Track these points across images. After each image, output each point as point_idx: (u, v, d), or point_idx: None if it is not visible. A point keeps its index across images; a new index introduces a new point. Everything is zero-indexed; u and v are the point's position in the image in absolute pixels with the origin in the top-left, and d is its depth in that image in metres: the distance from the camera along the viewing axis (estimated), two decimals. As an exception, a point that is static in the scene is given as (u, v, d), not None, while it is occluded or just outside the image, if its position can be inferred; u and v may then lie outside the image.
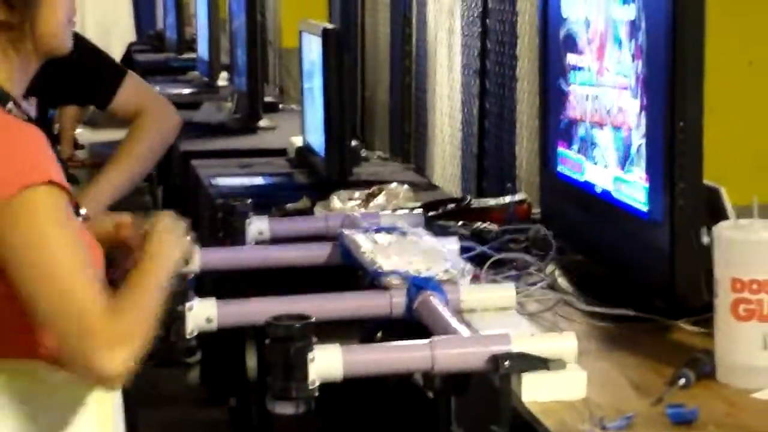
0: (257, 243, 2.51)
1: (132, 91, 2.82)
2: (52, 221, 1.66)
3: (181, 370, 4.39)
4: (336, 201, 3.02)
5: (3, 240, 1.66)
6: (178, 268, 1.83)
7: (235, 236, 2.51)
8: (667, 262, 1.90)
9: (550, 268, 2.29)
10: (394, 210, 2.87)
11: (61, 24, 1.80)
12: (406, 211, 2.79)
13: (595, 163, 2.23)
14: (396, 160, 4.22)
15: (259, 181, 3.69)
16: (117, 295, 1.69)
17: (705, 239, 1.89)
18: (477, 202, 2.86)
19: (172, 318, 1.95)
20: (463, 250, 2.34)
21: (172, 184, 5.12)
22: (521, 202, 2.76)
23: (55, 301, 1.64)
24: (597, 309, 2.07)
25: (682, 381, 1.70)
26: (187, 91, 5.95)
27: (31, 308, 1.67)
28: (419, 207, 2.85)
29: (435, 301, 1.98)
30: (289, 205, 3.13)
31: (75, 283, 1.64)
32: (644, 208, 2.01)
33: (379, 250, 2.23)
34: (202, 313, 1.99)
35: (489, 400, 1.74)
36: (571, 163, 2.36)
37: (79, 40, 2.86)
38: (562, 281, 2.23)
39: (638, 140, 2.03)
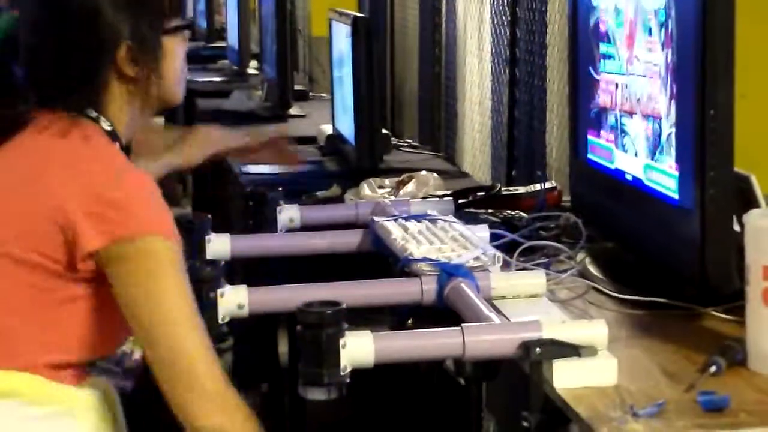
0: (288, 231, 2.52)
1: None
2: (170, 271, 1.73)
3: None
4: (366, 189, 3.03)
5: (117, 280, 1.73)
6: None
7: (265, 224, 2.52)
8: (698, 249, 1.90)
9: (580, 255, 2.29)
10: (425, 198, 2.88)
11: (179, 78, 1.90)
12: (436, 198, 2.79)
13: (625, 151, 2.23)
14: (426, 149, 4.23)
15: (289, 168, 3.70)
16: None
17: (736, 227, 1.89)
18: (507, 190, 2.87)
19: (204, 304, 1.97)
20: (494, 237, 2.34)
21: (202, 173, 5.14)
22: (551, 189, 2.77)
23: (171, 358, 1.71)
24: (627, 296, 2.08)
25: (714, 368, 1.71)
26: (217, 79, 5.97)
27: (146, 354, 1.75)
28: (449, 195, 2.86)
29: (466, 288, 1.99)
30: (320, 193, 3.14)
31: (190, 344, 1.72)
32: (675, 196, 2.01)
33: (409, 238, 2.24)
34: (234, 300, 2.00)
35: (520, 386, 1.75)
36: (601, 151, 2.36)
37: None
38: (592, 268, 2.23)
39: (668, 128, 2.03)
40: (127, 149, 1.89)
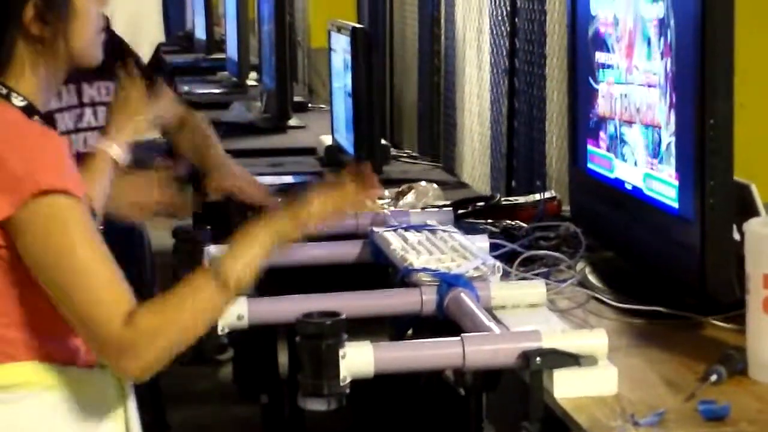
0: (288, 241, 2.52)
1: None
2: (71, 228, 1.69)
3: (212, 367, 4.41)
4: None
5: (23, 245, 1.70)
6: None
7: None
8: (698, 259, 1.90)
9: (580, 265, 2.29)
10: (424, 208, 2.88)
11: (91, 37, 1.83)
12: (436, 209, 2.79)
13: (625, 161, 2.23)
14: (425, 159, 4.23)
15: (289, 179, 3.70)
16: (164, 294, 1.72)
17: (736, 236, 1.89)
18: (506, 200, 2.86)
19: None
20: (493, 247, 2.34)
21: (202, 184, 5.14)
22: (551, 199, 2.77)
23: (77, 310, 1.69)
24: (627, 306, 2.07)
25: (714, 377, 1.70)
26: (216, 91, 5.98)
27: (60, 311, 1.72)
28: (449, 205, 2.85)
29: (466, 298, 1.98)
30: (319, 204, 3.14)
31: (93, 293, 1.68)
32: (675, 205, 2.01)
33: (409, 248, 2.24)
34: (233, 311, 2.00)
35: (520, 396, 1.74)
36: (601, 160, 2.36)
37: (118, 43, 2.93)
38: (592, 278, 2.23)
39: (668, 138, 2.03)
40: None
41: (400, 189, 3.11)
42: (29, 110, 1.79)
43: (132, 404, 1.86)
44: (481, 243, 2.32)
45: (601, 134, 2.34)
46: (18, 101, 1.78)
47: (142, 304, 1.71)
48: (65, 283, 1.69)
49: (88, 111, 3.04)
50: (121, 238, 2.44)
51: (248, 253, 1.78)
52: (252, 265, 1.77)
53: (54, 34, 1.79)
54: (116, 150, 2.18)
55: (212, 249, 2.31)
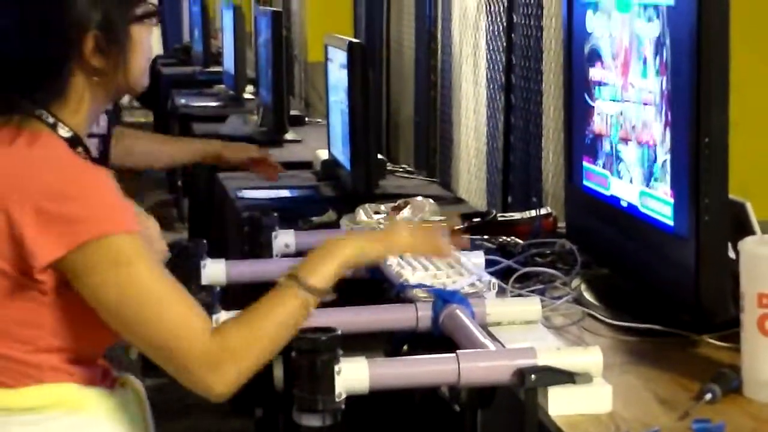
0: (283, 256, 2.52)
1: None
2: (137, 263, 1.68)
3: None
4: (362, 214, 3.03)
5: (85, 285, 1.69)
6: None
7: (261, 249, 2.52)
8: (693, 276, 1.91)
9: (575, 282, 2.29)
10: (420, 223, 2.88)
11: (145, 68, 1.84)
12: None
13: (621, 178, 2.24)
14: (421, 174, 4.24)
15: (285, 194, 3.71)
16: (247, 309, 1.74)
17: (731, 254, 1.90)
18: (502, 216, 2.87)
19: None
20: (489, 263, 2.35)
21: (198, 197, 5.15)
22: (547, 216, 2.77)
23: (157, 348, 1.69)
24: (623, 323, 2.08)
25: (709, 396, 1.70)
26: (213, 104, 5.99)
27: (133, 343, 1.73)
28: (444, 220, 2.86)
29: (461, 314, 1.99)
30: (315, 219, 3.15)
31: (168, 320, 1.69)
32: (670, 223, 2.01)
33: (404, 264, 2.24)
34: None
35: (515, 413, 1.74)
36: (597, 177, 2.36)
37: None
38: (587, 295, 2.24)
39: (663, 156, 2.04)
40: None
41: (396, 204, 3.11)
42: (74, 142, 1.76)
43: (151, 421, 1.86)
44: (476, 259, 2.33)
45: (597, 151, 2.35)
46: (64, 132, 1.76)
47: (227, 320, 1.74)
48: (142, 316, 1.68)
49: None
50: None
51: (329, 267, 1.80)
52: (330, 278, 1.79)
53: (114, 66, 1.77)
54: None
55: (208, 262, 2.31)
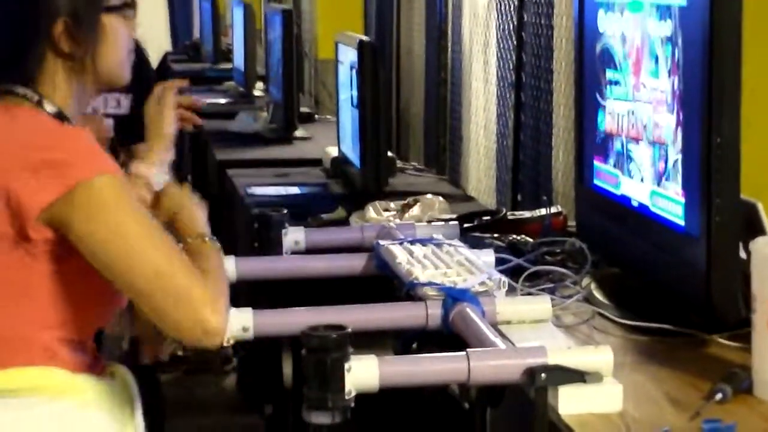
0: (293, 253, 2.53)
1: None
2: (125, 206, 1.73)
3: (216, 376, 4.41)
4: (371, 212, 3.03)
5: (76, 227, 1.73)
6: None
7: (271, 246, 2.52)
8: (704, 276, 1.90)
9: (585, 280, 2.29)
10: (430, 221, 2.88)
11: (120, 59, 1.88)
12: (442, 222, 2.79)
13: (631, 177, 2.23)
14: (431, 172, 4.23)
15: (294, 191, 3.71)
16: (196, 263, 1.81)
17: (742, 254, 1.89)
18: (512, 215, 2.87)
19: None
20: (499, 262, 2.34)
21: (207, 194, 5.15)
22: (557, 214, 2.77)
23: (155, 282, 1.74)
24: (633, 322, 2.07)
25: (719, 396, 1.70)
26: (223, 100, 5.99)
27: (124, 290, 1.78)
28: (454, 218, 2.86)
29: (471, 312, 1.98)
30: (325, 216, 3.15)
31: (168, 261, 1.75)
32: (681, 223, 2.01)
33: (414, 262, 2.24)
34: (239, 322, 2.00)
35: (524, 412, 1.74)
36: (607, 176, 2.36)
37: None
38: (597, 294, 2.23)
39: (674, 155, 2.04)
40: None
41: (405, 201, 3.11)
42: (60, 117, 1.83)
43: (139, 412, 1.87)
44: (486, 257, 2.32)
45: (608, 150, 2.35)
46: (50, 107, 1.82)
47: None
48: (131, 259, 1.74)
49: (111, 97, 3.05)
50: None
51: (199, 215, 2.04)
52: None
53: (84, 52, 1.83)
54: (157, 175, 2.21)
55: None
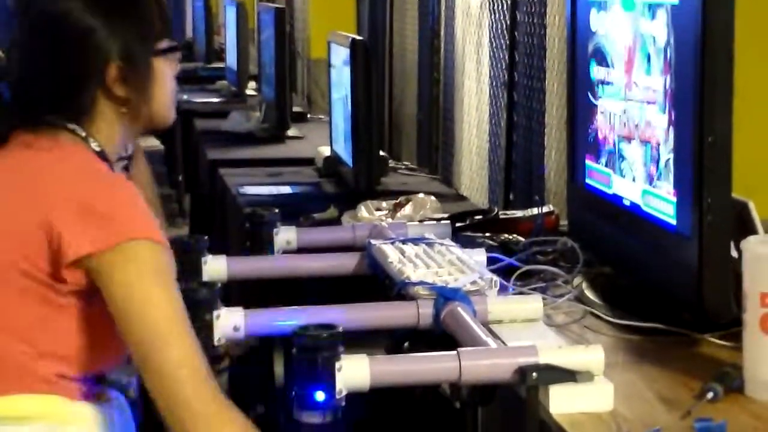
0: (285, 252, 2.52)
1: None
2: (154, 275, 1.72)
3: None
4: (363, 211, 3.03)
5: (111, 286, 1.72)
6: None
7: (262, 245, 2.52)
8: (696, 276, 1.90)
9: (577, 280, 2.29)
10: (422, 220, 2.88)
11: (168, 101, 1.90)
12: (434, 222, 2.79)
13: (623, 177, 2.23)
14: (423, 171, 4.23)
15: (286, 190, 3.71)
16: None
17: (733, 253, 1.89)
18: (504, 214, 2.86)
19: (200, 326, 1.97)
20: (491, 261, 2.34)
21: (199, 193, 5.14)
22: (549, 213, 2.76)
23: (165, 370, 1.69)
24: (624, 322, 2.07)
25: (711, 395, 1.70)
26: (215, 100, 5.99)
27: (135, 360, 1.73)
28: (446, 218, 2.85)
29: (462, 312, 1.98)
30: (317, 215, 3.14)
31: (188, 353, 1.70)
32: (672, 222, 2.01)
33: (406, 261, 2.24)
34: (230, 322, 2.00)
35: (516, 411, 1.74)
36: (599, 176, 2.36)
37: None
38: (589, 293, 2.23)
39: (666, 155, 2.03)
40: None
41: (397, 201, 3.11)
42: (102, 157, 1.84)
43: None
44: (478, 257, 2.32)
45: (600, 150, 2.35)
46: (94, 146, 1.84)
47: None
48: (153, 335, 1.70)
49: None
50: None
51: None
52: None
53: (137, 96, 1.85)
54: None
55: (209, 258, 2.31)
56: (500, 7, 3.62)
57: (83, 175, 1.78)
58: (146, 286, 1.71)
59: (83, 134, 1.83)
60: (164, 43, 1.90)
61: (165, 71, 1.89)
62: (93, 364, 1.81)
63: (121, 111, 1.85)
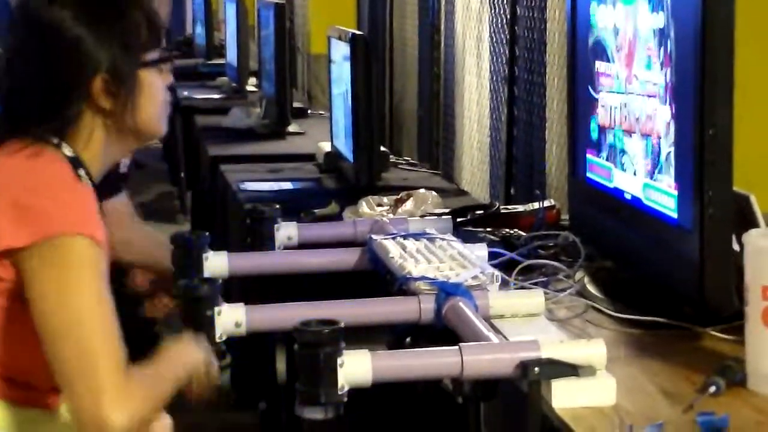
0: (286, 248, 2.52)
1: None
2: (87, 271, 1.71)
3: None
4: (364, 206, 3.03)
5: (32, 278, 1.71)
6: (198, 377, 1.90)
7: (263, 241, 2.52)
8: (697, 269, 1.90)
9: (579, 274, 2.28)
10: (423, 216, 2.88)
11: (158, 112, 1.87)
12: (435, 217, 2.79)
13: (624, 170, 2.23)
14: (424, 166, 4.23)
15: (287, 186, 3.70)
16: (138, 367, 1.74)
17: (735, 247, 1.89)
18: (505, 209, 2.86)
19: (202, 323, 1.97)
20: (492, 256, 2.34)
21: (200, 189, 5.14)
22: (550, 208, 2.76)
23: (75, 359, 1.69)
24: (626, 316, 2.07)
25: (713, 388, 1.70)
26: (215, 96, 5.98)
27: (47, 351, 1.71)
28: (447, 213, 2.85)
29: (464, 307, 1.98)
30: (318, 211, 3.14)
31: (94, 341, 1.69)
32: (674, 215, 2.01)
33: (407, 256, 2.24)
34: (231, 318, 2.00)
35: (518, 406, 1.74)
36: (600, 169, 2.36)
37: None
38: (591, 288, 2.23)
39: (667, 148, 2.03)
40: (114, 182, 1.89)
41: (398, 196, 3.11)
42: (75, 163, 1.82)
43: None
44: (479, 251, 2.32)
45: (601, 144, 2.34)
46: (68, 151, 1.82)
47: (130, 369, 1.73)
48: (66, 324, 1.69)
49: None
50: None
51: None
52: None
53: (123, 108, 1.83)
54: None
55: (210, 254, 2.31)
56: (500, 1, 3.62)
57: (28, 175, 1.77)
58: (68, 278, 1.70)
59: (55, 141, 1.81)
60: (154, 54, 1.87)
61: (154, 83, 1.87)
62: (39, 369, 1.79)
63: (106, 123, 1.84)
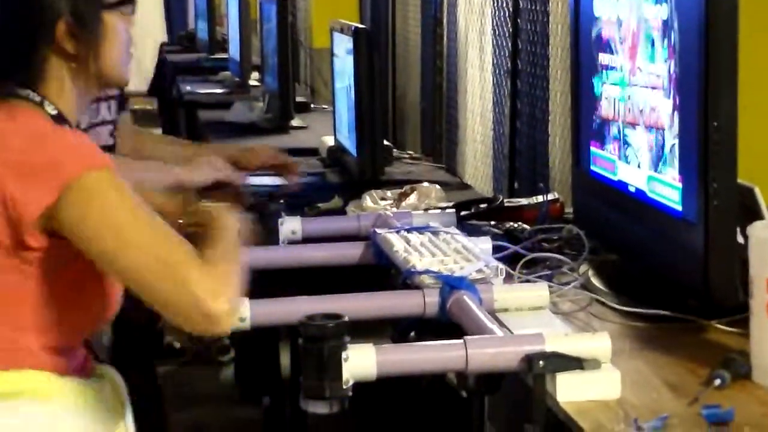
0: (290, 243, 2.52)
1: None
2: (115, 196, 1.73)
3: (214, 368, 4.41)
4: (368, 200, 3.02)
5: (75, 226, 1.71)
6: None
7: (267, 236, 2.52)
8: (702, 262, 1.90)
9: (583, 267, 2.28)
10: (426, 209, 2.87)
11: (121, 57, 1.87)
12: (438, 210, 2.78)
13: (628, 163, 2.23)
14: (427, 160, 4.22)
15: (290, 182, 3.69)
16: (203, 252, 1.78)
17: (739, 239, 1.89)
18: (509, 202, 2.86)
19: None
20: (496, 249, 2.34)
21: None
22: (554, 201, 2.76)
23: (153, 269, 1.71)
24: (631, 309, 2.07)
25: (718, 381, 1.70)
26: (218, 91, 5.97)
27: (122, 281, 1.76)
28: (451, 207, 2.85)
29: (468, 300, 1.98)
30: (322, 205, 3.14)
31: (165, 248, 1.73)
32: (678, 208, 2.00)
33: (411, 250, 2.24)
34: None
35: (523, 399, 1.74)
36: (604, 162, 2.35)
37: None
38: (595, 281, 2.23)
39: (671, 140, 2.03)
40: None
41: (402, 190, 3.10)
42: (59, 119, 1.83)
43: (129, 413, 1.86)
44: (483, 245, 2.32)
45: (605, 136, 2.34)
46: (50, 109, 1.82)
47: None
48: (134, 249, 1.71)
49: (103, 105, 3.05)
50: None
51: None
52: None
53: (86, 51, 1.83)
54: None
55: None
56: (503, -6, 3.61)
57: (29, 138, 1.77)
58: (107, 215, 1.72)
59: (38, 99, 1.81)
60: None
61: (117, 26, 1.87)
62: (78, 330, 1.81)
63: (72, 69, 1.83)
